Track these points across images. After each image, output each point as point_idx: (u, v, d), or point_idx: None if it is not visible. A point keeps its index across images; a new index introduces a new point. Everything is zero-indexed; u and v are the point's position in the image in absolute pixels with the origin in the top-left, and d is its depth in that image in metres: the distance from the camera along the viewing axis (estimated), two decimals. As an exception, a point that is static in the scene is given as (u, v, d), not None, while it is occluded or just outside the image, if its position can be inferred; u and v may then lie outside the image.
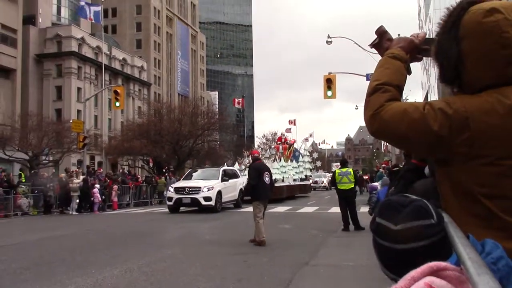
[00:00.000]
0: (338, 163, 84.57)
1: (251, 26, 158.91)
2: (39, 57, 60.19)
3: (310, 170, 37.07)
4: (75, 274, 7.48)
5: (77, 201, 22.32)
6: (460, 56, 1.49)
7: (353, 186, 13.61)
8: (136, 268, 7.89)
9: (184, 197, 20.10)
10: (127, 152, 45.67)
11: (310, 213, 19.80)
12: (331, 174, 16.35)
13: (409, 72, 1.66)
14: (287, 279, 7.03)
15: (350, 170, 13.76)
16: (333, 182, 13.95)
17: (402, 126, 1.46)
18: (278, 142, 35.17)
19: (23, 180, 24.09)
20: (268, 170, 11.21)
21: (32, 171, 28.33)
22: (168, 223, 15.90)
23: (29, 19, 58.37)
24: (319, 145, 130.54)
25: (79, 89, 60.90)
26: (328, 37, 28.53)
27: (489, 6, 1.46)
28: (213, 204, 19.87)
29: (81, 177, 23.22)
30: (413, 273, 1.15)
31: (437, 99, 1.68)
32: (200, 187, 20.11)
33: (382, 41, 1.77)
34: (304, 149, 38.09)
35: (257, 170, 10.77)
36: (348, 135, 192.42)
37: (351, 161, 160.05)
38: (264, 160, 31.70)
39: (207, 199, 19.83)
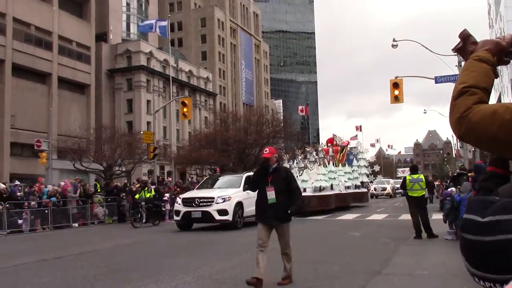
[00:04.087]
0: (405, 169, 79.64)
1: (313, 33, 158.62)
2: (111, 72, 63.03)
3: (367, 175, 32.10)
4: (150, 280, 7.71)
5: (149, 209, 23.05)
6: None
7: (424, 193, 13.27)
8: (208, 275, 8.02)
9: (194, 211, 16.35)
10: (195, 161, 46.72)
11: (380, 221, 19.35)
12: (401, 180, 15.72)
13: (496, 76, 1.62)
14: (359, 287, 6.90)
15: (422, 176, 13.34)
16: (403, 188, 13.58)
17: (492, 128, 1.41)
18: (328, 144, 30.44)
19: (99, 190, 25.20)
20: None
21: (104, 182, 29.58)
22: (235, 230, 16.02)
23: (101, 37, 61.41)
24: (386, 150, 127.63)
25: (148, 101, 63.16)
26: (394, 40, 27.84)
27: None
28: (230, 218, 16.09)
29: (152, 186, 23.97)
30: None
31: (511, 100, 1.61)
32: (213, 198, 16.36)
33: (466, 44, 1.72)
34: (360, 152, 32.32)
35: None
36: (417, 140, 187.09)
37: (420, 167, 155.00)
38: (308, 165, 27.50)
39: (222, 212, 16.11)
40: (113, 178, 34.97)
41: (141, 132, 37.99)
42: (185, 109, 28.49)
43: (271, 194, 7.10)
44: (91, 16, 57.11)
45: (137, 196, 21.05)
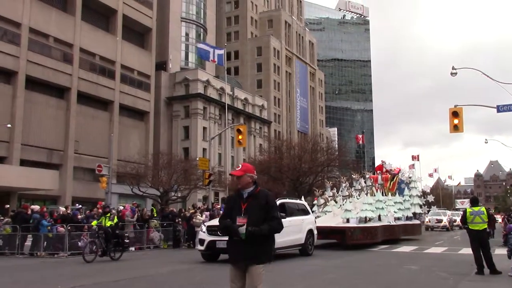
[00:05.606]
0: (464, 200, 75.13)
1: (369, 61, 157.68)
2: (169, 99, 64.96)
3: (420, 206, 29.10)
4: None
5: (202, 236, 23.20)
6: None
7: (486, 226, 12.65)
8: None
9: (219, 240, 14.39)
10: (249, 188, 46.86)
11: (439, 254, 18.62)
12: (459, 212, 15.15)
13: None
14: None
15: (483, 209, 12.78)
16: (463, 221, 13.05)
17: None
18: (378, 172, 28.24)
19: (155, 215, 25.69)
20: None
21: (160, 207, 30.09)
22: (289, 259, 15.84)
23: (161, 65, 63.74)
24: (445, 181, 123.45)
25: (204, 128, 64.44)
26: (453, 68, 27.19)
27: None
28: None
29: (205, 213, 24.19)
30: None
31: None
32: None
33: None
34: (412, 180, 29.32)
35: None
36: (477, 170, 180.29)
37: (482, 199, 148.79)
38: (353, 193, 25.74)
39: None
40: (169, 204, 35.60)
41: (197, 159, 38.71)
42: (240, 136, 28.83)
43: (241, 229, 5.23)
44: (152, 46, 59.44)
45: (94, 223, 17.92)
